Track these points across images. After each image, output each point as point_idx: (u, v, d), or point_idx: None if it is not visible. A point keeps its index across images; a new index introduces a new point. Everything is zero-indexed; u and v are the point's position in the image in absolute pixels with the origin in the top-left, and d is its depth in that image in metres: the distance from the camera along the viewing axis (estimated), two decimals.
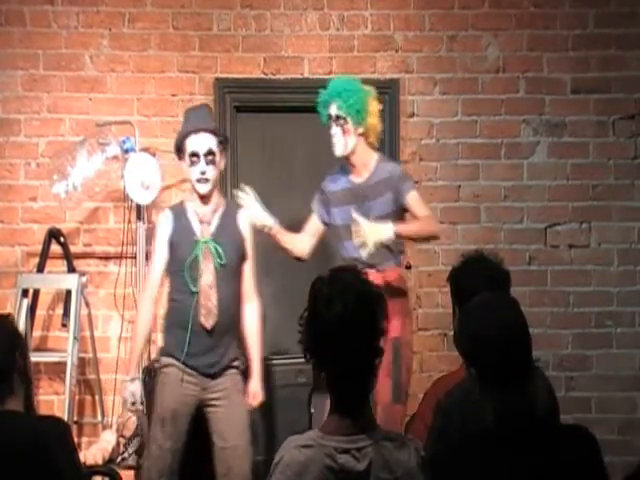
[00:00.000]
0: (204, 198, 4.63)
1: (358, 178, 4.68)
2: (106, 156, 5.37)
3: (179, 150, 4.66)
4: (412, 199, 4.59)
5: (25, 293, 5.38)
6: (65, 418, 5.03)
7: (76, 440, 5.33)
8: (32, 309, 5.43)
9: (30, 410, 3.21)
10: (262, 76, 5.77)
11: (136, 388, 4.62)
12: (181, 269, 4.56)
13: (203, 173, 4.57)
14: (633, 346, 5.76)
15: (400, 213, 4.61)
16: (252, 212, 4.62)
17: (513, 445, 2.55)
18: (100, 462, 4.95)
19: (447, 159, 5.78)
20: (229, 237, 4.62)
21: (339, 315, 2.48)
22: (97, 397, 5.54)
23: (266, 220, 4.63)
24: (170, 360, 4.59)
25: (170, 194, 5.69)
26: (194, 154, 4.59)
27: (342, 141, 4.62)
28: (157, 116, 5.72)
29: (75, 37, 5.72)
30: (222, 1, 5.76)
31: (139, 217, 5.44)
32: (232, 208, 4.70)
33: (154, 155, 5.41)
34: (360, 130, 4.61)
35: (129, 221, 5.50)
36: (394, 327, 4.48)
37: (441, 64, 5.80)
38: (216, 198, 4.68)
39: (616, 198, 5.80)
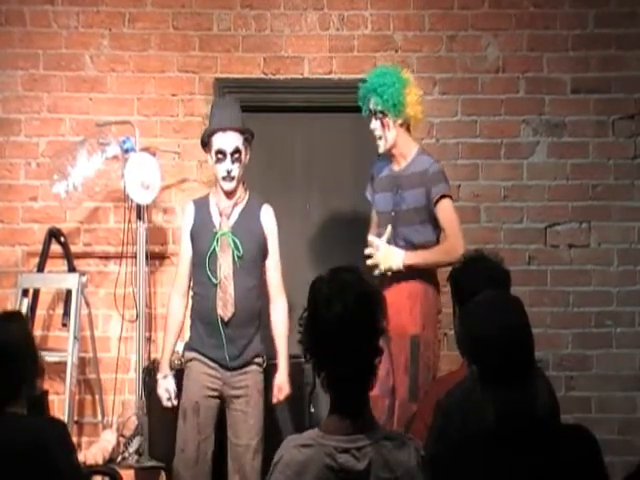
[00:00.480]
0: (228, 194, 4.69)
1: (396, 166, 4.71)
2: (106, 156, 5.37)
3: (204, 145, 4.73)
4: (440, 210, 4.55)
5: (25, 293, 5.38)
6: (65, 418, 5.05)
7: (76, 440, 5.38)
8: (32, 309, 5.43)
9: (43, 412, 3.24)
10: (262, 76, 5.77)
11: (169, 384, 4.69)
12: (202, 261, 4.62)
13: (229, 172, 4.64)
14: (633, 346, 5.76)
15: (433, 208, 4.59)
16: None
17: (513, 445, 2.55)
18: (100, 462, 4.95)
19: (447, 159, 5.76)
20: (248, 230, 4.66)
21: (339, 315, 2.49)
22: (97, 397, 5.54)
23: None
24: (193, 354, 4.65)
25: (170, 194, 5.70)
26: (221, 152, 4.65)
27: (382, 136, 4.65)
28: (157, 116, 5.72)
29: (75, 37, 5.72)
30: (222, 1, 5.76)
31: (139, 217, 5.44)
32: (254, 203, 4.75)
33: (154, 155, 5.41)
34: (399, 122, 4.64)
35: (129, 221, 5.50)
36: (413, 324, 4.48)
37: (441, 64, 5.80)
38: (239, 193, 4.73)
39: (616, 198, 5.80)
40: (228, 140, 4.65)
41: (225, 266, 4.59)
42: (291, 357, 4.67)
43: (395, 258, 4.48)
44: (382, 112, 4.62)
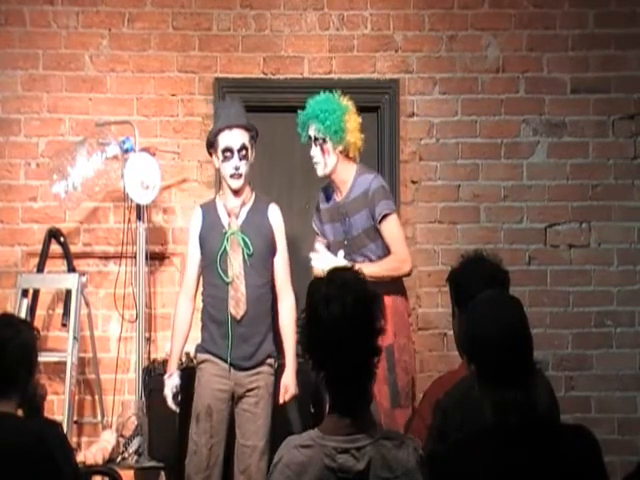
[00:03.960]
0: (236, 192, 4.70)
1: (339, 196, 4.78)
2: (106, 156, 5.37)
3: (210, 146, 4.75)
4: (383, 229, 4.64)
5: (25, 293, 5.38)
6: (65, 418, 5.05)
7: (76, 440, 5.38)
8: (32, 309, 5.43)
9: (37, 413, 3.24)
10: (262, 76, 5.77)
11: (174, 383, 4.70)
12: (213, 261, 4.64)
13: (237, 169, 4.66)
14: (633, 346, 5.76)
15: (378, 227, 4.66)
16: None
17: (513, 444, 2.55)
18: (100, 462, 4.95)
19: (447, 159, 5.78)
20: (256, 229, 4.69)
21: (337, 315, 2.49)
22: (97, 397, 5.54)
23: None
24: (205, 356, 4.67)
25: (170, 194, 5.69)
26: (228, 150, 4.67)
27: (322, 161, 4.70)
28: (157, 116, 5.72)
29: (75, 37, 5.72)
30: (222, 1, 5.76)
31: (139, 217, 5.44)
32: (261, 202, 4.80)
33: (154, 155, 5.40)
34: (340, 148, 4.69)
35: (129, 221, 5.50)
36: (386, 336, 4.47)
37: (441, 64, 5.80)
38: (246, 192, 4.75)
39: (616, 198, 5.80)
40: (235, 137, 4.67)
41: (236, 265, 4.62)
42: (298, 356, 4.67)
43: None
44: (323, 139, 4.67)
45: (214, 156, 4.76)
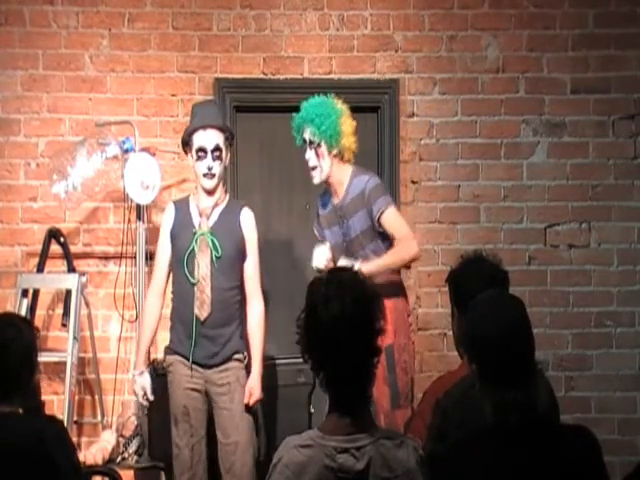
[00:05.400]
0: (209, 193, 4.69)
1: (337, 199, 4.76)
2: (106, 156, 5.37)
3: (185, 144, 4.73)
4: (385, 220, 4.61)
5: (25, 293, 5.38)
6: (65, 418, 5.04)
7: (75, 440, 5.38)
8: (32, 309, 5.43)
9: (37, 411, 3.24)
10: (262, 76, 5.77)
11: (145, 381, 4.69)
12: (180, 261, 4.62)
13: (210, 169, 4.64)
14: (633, 346, 5.76)
15: (377, 226, 4.64)
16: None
17: (513, 444, 2.55)
18: (100, 462, 4.95)
19: (447, 159, 5.78)
20: (227, 231, 4.66)
21: (336, 315, 2.49)
22: (97, 397, 5.54)
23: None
24: (174, 357, 4.66)
25: (170, 194, 5.69)
26: (201, 149, 4.66)
27: (317, 166, 4.69)
28: (157, 116, 5.72)
29: (75, 37, 5.72)
30: (222, 1, 5.76)
31: (139, 217, 5.43)
32: (234, 205, 4.78)
33: (154, 155, 5.40)
34: (334, 152, 4.68)
35: (129, 221, 5.50)
36: (386, 335, 4.47)
37: (441, 64, 5.80)
38: (219, 193, 4.73)
39: (616, 198, 5.80)
40: (209, 138, 4.66)
41: (203, 266, 4.59)
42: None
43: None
44: (318, 143, 4.67)
45: (189, 155, 4.75)
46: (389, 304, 4.46)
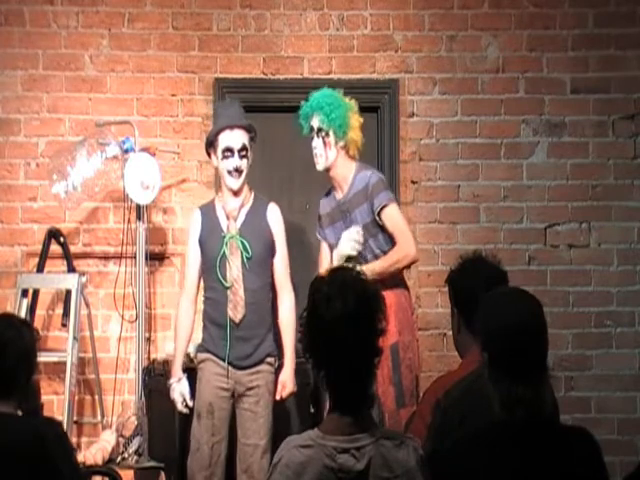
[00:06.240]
0: (234, 193, 4.71)
1: (340, 194, 4.76)
2: (106, 156, 5.37)
3: (210, 145, 4.75)
4: (385, 219, 4.62)
5: (25, 293, 5.38)
6: (65, 418, 5.05)
7: (75, 440, 5.38)
8: (32, 309, 5.43)
9: (35, 413, 3.24)
10: (262, 76, 5.77)
11: (184, 388, 4.70)
12: (212, 266, 4.65)
13: (237, 167, 4.67)
14: (633, 346, 5.76)
15: (378, 220, 4.64)
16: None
17: (514, 443, 2.55)
18: (100, 462, 4.94)
19: (447, 159, 5.77)
20: (255, 231, 4.69)
21: (337, 314, 2.49)
22: (97, 397, 5.54)
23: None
24: (206, 355, 4.68)
25: (170, 194, 5.69)
26: (228, 149, 4.69)
27: (323, 154, 4.69)
28: (157, 116, 5.72)
29: (75, 37, 5.72)
30: (222, 1, 5.76)
31: (139, 217, 5.43)
32: (260, 202, 4.80)
33: (154, 155, 5.40)
34: (341, 144, 4.69)
35: (129, 221, 5.50)
36: (391, 333, 4.48)
37: (441, 64, 5.80)
38: (245, 193, 4.76)
39: (616, 198, 5.80)
40: (235, 137, 4.69)
41: (235, 269, 4.62)
42: None
43: None
44: (326, 131, 4.67)
45: (213, 156, 4.77)
46: (393, 301, 4.48)
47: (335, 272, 2.61)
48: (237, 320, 4.61)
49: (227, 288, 4.61)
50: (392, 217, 4.63)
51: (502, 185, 5.79)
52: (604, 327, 5.76)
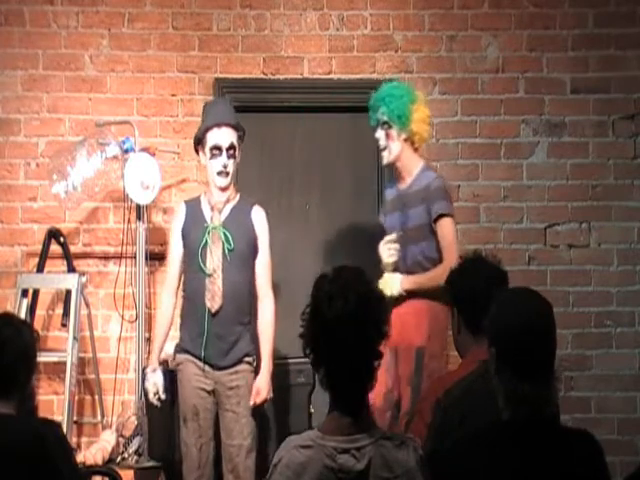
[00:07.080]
0: (221, 189, 4.71)
1: (402, 184, 4.73)
2: (106, 156, 5.37)
3: (198, 142, 4.75)
4: (439, 228, 4.55)
5: (25, 293, 5.38)
6: (65, 418, 5.05)
7: (75, 440, 5.38)
8: (32, 309, 5.43)
9: (32, 413, 3.23)
10: (262, 76, 5.77)
11: (158, 378, 4.69)
12: (194, 255, 4.64)
13: (225, 166, 4.68)
14: (633, 346, 5.75)
15: (433, 225, 4.59)
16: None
17: (515, 443, 2.55)
18: (100, 462, 4.95)
19: (447, 159, 5.77)
20: (239, 226, 4.69)
21: (339, 313, 2.49)
22: (97, 397, 5.54)
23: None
24: (184, 356, 4.66)
25: (170, 194, 5.69)
26: (216, 147, 4.69)
27: (387, 146, 4.67)
28: (157, 116, 5.72)
29: (75, 37, 5.72)
30: (222, 1, 5.76)
31: (139, 217, 5.44)
32: (245, 202, 4.79)
33: (154, 155, 5.40)
34: (404, 136, 4.66)
35: (129, 221, 5.50)
36: (419, 336, 4.47)
37: (441, 64, 5.80)
38: (231, 190, 4.76)
39: (616, 198, 5.80)
40: (224, 135, 4.69)
41: (216, 258, 4.61)
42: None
43: (394, 284, 4.51)
44: (387, 123, 4.66)
45: (201, 153, 4.77)
46: (425, 307, 4.48)
47: (339, 271, 2.61)
48: (213, 310, 4.57)
49: (207, 275, 4.58)
50: (446, 229, 4.56)
51: (502, 185, 5.79)
52: (604, 327, 5.76)
